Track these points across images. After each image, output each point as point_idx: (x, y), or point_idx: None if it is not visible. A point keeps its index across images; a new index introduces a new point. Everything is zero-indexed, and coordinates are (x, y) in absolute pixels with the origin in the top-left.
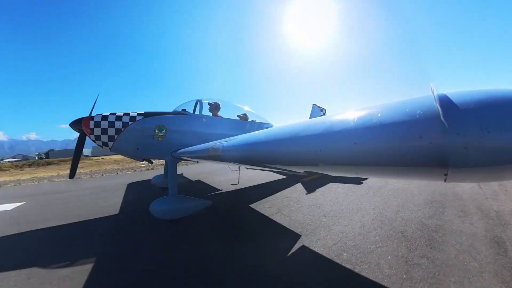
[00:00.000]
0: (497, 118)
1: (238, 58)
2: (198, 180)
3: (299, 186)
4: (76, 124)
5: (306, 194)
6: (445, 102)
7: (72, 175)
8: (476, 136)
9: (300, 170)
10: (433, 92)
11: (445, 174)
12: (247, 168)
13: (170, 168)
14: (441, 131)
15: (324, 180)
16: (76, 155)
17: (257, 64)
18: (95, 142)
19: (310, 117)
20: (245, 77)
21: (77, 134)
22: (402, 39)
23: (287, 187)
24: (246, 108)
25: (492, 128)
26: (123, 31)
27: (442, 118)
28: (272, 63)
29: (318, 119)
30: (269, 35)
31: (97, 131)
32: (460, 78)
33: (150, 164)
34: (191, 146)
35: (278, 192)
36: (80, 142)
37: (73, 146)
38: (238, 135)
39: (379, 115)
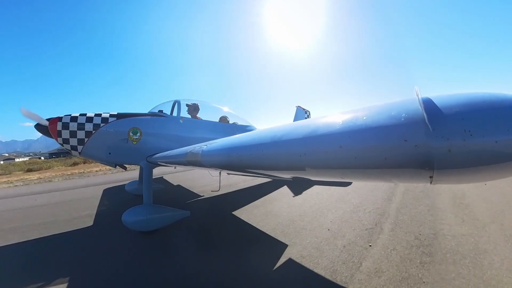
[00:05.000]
0: (479, 121)
1: (217, 56)
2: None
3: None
4: (41, 126)
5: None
6: (429, 105)
7: None
8: (459, 138)
9: (284, 175)
10: (417, 96)
11: (431, 177)
12: (228, 174)
13: (145, 174)
14: (425, 134)
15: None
16: None
17: (238, 63)
18: (62, 145)
19: (295, 119)
20: (226, 76)
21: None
22: (387, 39)
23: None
24: (225, 109)
25: (474, 131)
26: (95, 27)
27: (426, 121)
28: (254, 62)
29: (302, 122)
30: (251, 32)
31: (65, 134)
32: (443, 78)
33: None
34: (168, 150)
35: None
36: None
37: (35, 147)
38: (218, 138)
39: (365, 118)
